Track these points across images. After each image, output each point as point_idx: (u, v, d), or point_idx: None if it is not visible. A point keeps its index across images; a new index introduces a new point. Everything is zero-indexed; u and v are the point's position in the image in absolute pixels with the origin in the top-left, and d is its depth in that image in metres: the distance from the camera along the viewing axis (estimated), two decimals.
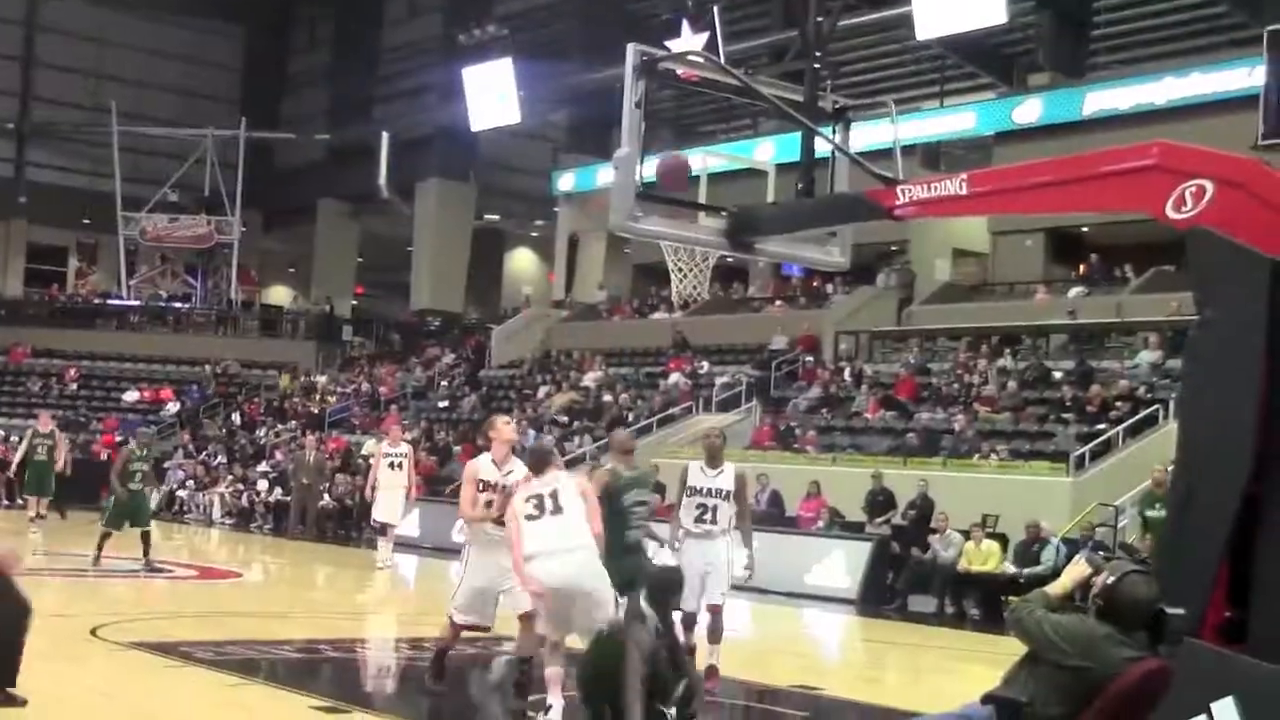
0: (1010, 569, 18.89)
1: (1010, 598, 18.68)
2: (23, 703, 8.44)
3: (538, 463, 9.38)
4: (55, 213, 50.01)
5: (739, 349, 34.68)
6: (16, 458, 28.62)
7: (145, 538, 19.07)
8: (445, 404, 37.82)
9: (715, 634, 11.08)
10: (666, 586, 8.75)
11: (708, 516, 11.21)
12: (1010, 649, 6.26)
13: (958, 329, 30.81)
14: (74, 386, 43.97)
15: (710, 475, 11.35)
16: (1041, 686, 5.89)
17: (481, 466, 10.27)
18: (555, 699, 9.03)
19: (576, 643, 8.93)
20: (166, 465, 35.60)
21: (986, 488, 21.58)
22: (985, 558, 19.19)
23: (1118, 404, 23.88)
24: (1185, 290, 9.76)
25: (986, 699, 6.01)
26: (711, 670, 10.88)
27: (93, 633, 11.80)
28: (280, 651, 12.40)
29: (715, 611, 11.11)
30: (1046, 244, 34.25)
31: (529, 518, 8.95)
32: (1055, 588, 6.19)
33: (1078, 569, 6.26)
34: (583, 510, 9.02)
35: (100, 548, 18.88)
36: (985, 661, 11.86)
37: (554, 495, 9.01)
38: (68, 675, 9.07)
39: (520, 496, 9.14)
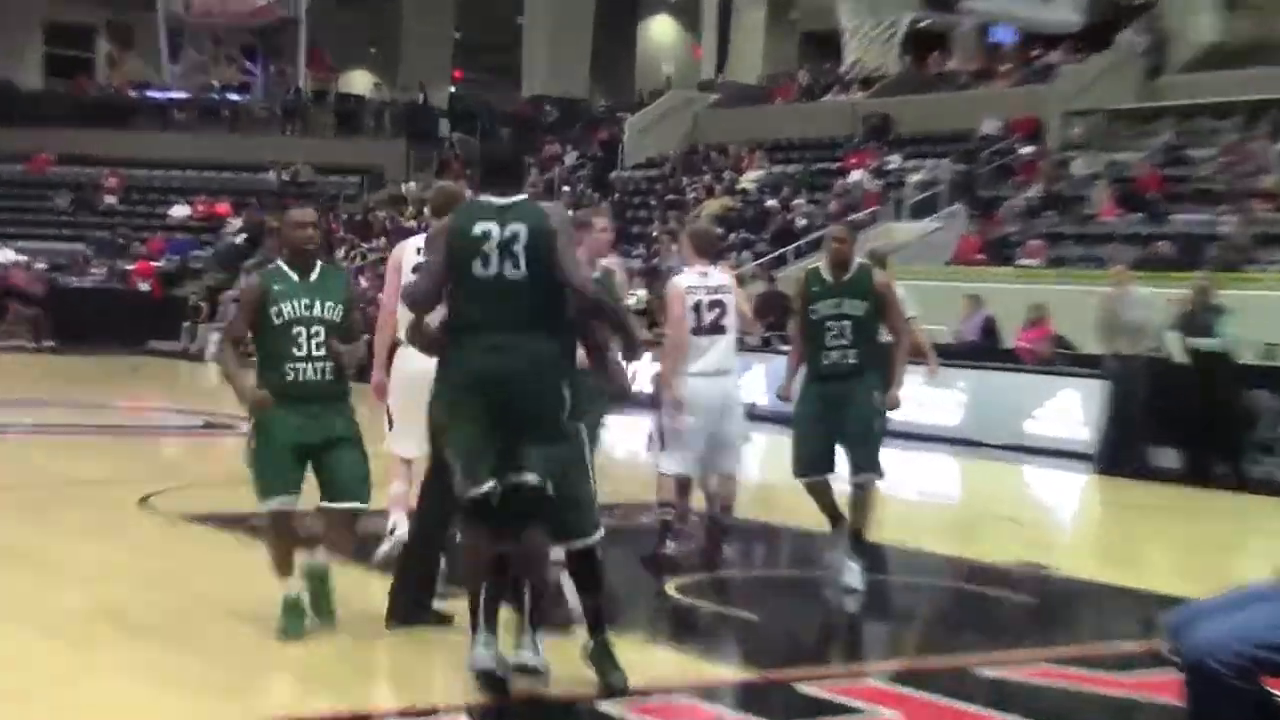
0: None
1: None
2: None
3: None
4: None
5: (937, 137, 34.28)
6: None
7: None
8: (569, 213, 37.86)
9: None
10: None
11: None
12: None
13: (1227, 103, 29.99)
14: (112, 200, 44.57)
15: None
16: None
17: None
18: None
19: None
20: (227, 293, 35.99)
21: (1268, 308, 20.92)
22: None
23: None
24: None
25: None
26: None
27: (142, 502, 12.02)
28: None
29: None
30: None
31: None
32: None
33: None
34: None
35: None
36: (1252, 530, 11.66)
37: None
38: (111, 554, 9.21)
39: None
